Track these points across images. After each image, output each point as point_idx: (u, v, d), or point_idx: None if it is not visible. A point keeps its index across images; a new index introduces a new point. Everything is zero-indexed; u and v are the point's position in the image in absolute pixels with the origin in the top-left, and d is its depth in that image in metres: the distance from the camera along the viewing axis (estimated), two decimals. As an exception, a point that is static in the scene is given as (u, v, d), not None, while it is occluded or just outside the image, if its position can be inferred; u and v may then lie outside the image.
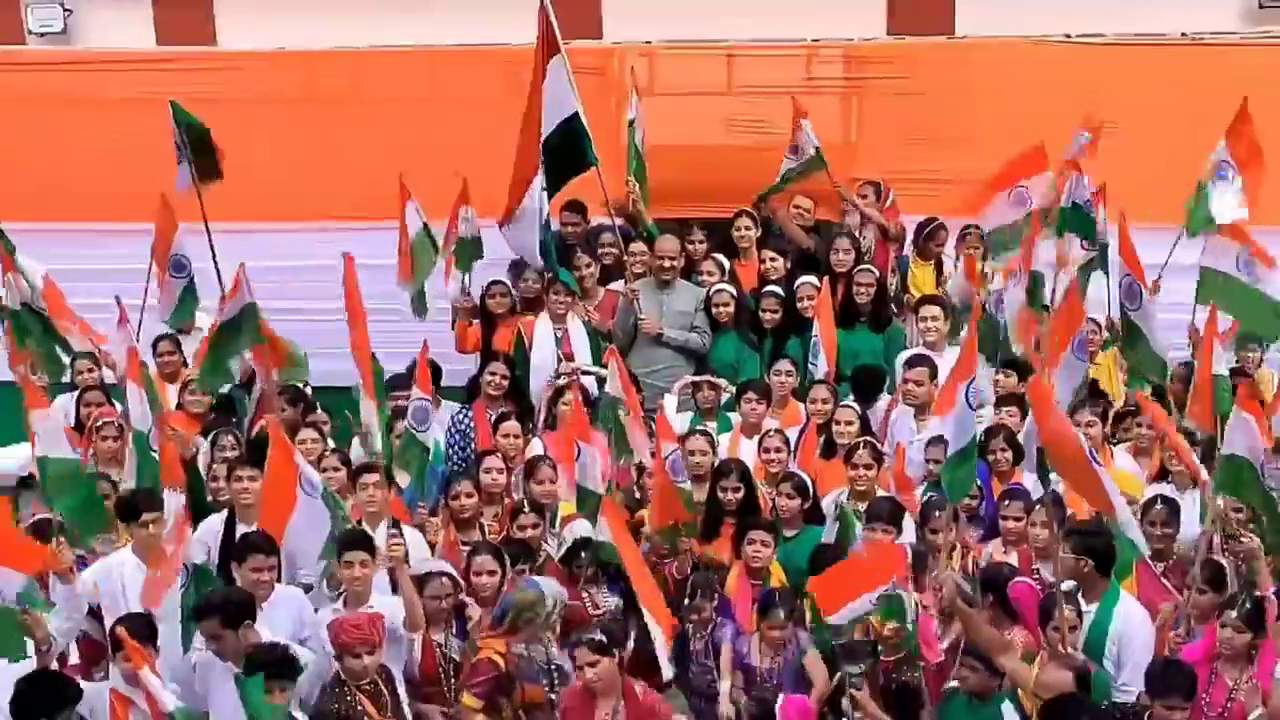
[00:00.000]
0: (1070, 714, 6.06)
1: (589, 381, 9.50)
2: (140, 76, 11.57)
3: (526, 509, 7.98)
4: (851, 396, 9.10)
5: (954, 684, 6.69)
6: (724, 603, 7.53)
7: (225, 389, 9.45)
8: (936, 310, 9.60)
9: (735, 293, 9.96)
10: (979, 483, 8.01)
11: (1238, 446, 7.07)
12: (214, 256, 10.02)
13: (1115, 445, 8.72)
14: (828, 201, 10.94)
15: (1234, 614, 6.37)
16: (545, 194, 9.83)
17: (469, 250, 10.23)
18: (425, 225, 10.07)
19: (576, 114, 9.57)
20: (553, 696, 6.96)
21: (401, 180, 9.98)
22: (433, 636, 7.11)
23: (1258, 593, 6.59)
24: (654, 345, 9.92)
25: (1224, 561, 7.12)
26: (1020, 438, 8.28)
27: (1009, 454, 8.25)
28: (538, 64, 9.69)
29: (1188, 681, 6.20)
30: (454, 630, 7.21)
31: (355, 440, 8.79)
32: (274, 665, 6.21)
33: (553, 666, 7.01)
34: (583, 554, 7.57)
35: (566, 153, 9.66)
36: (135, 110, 11.37)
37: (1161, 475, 8.36)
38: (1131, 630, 6.85)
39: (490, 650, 6.99)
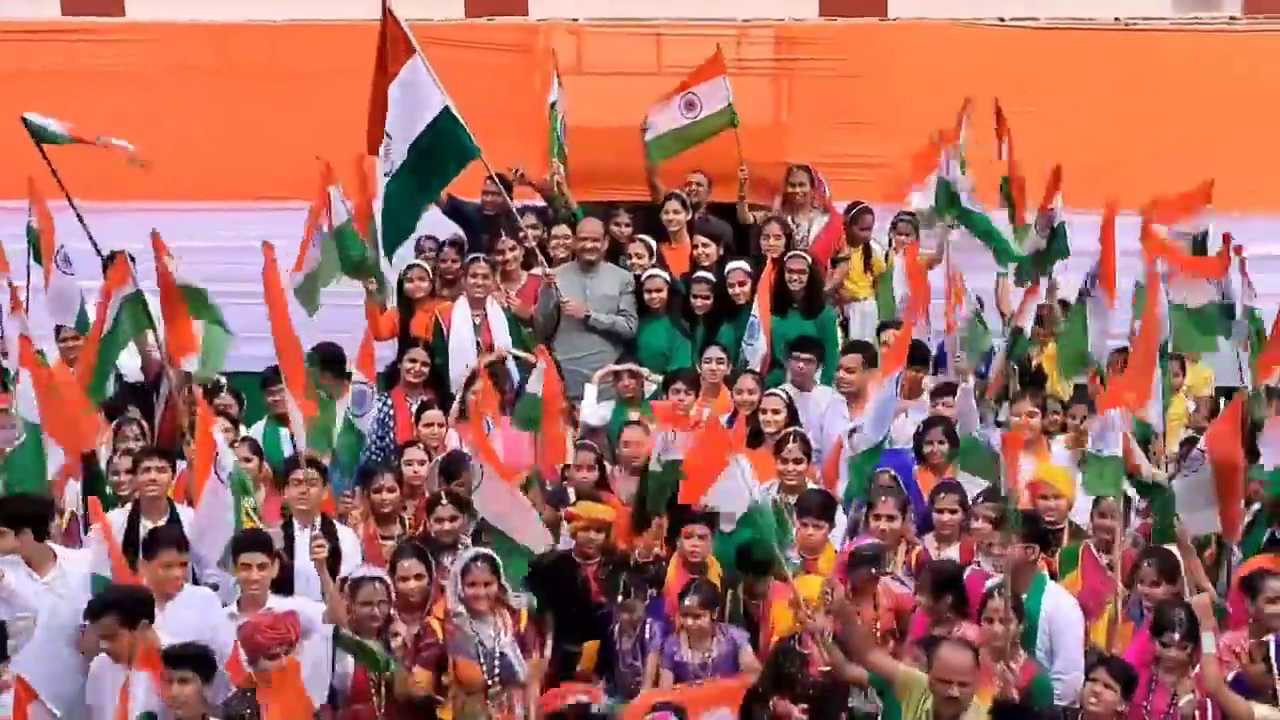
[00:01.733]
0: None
1: (513, 365, 9.24)
2: (45, 48, 11.24)
3: (444, 501, 7.68)
4: (789, 376, 9.02)
5: None
6: (655, 603, 7.32)
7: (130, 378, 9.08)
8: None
9: (668, 278, 9.76)
10: (893, 473, 7.87)
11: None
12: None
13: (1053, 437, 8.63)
14: (760, 184, 10.75)
15: (1174, 634, 6.28)
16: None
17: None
18: (350, 218, 9.46)
19: (446, 108, 9.06)
20: (490, 683, 6.73)
21: (326, 165, 9.28)
22: None
23: (1190, 600, 6.50)
24: (580, 331, 9.67)
25: (1174, 550, 7.03)
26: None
27: (945, 447, 8.12)
28: (382, 69, 9.10)
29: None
30: (384, 645, 6.88)
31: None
32: (190, 662, 5.96)
33: (495, 653, 6.76)
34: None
35: (442, 149, 9.11)
36: (40, 83, 11.00)
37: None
38: (1062, 617, 6.85)
39: (434, 617, 6.84)
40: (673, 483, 7.24)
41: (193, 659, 6.04)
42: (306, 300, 9.05)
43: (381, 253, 9.39)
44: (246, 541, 6.88)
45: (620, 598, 7.24)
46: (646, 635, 7.21)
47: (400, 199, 9.12)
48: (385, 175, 9.07)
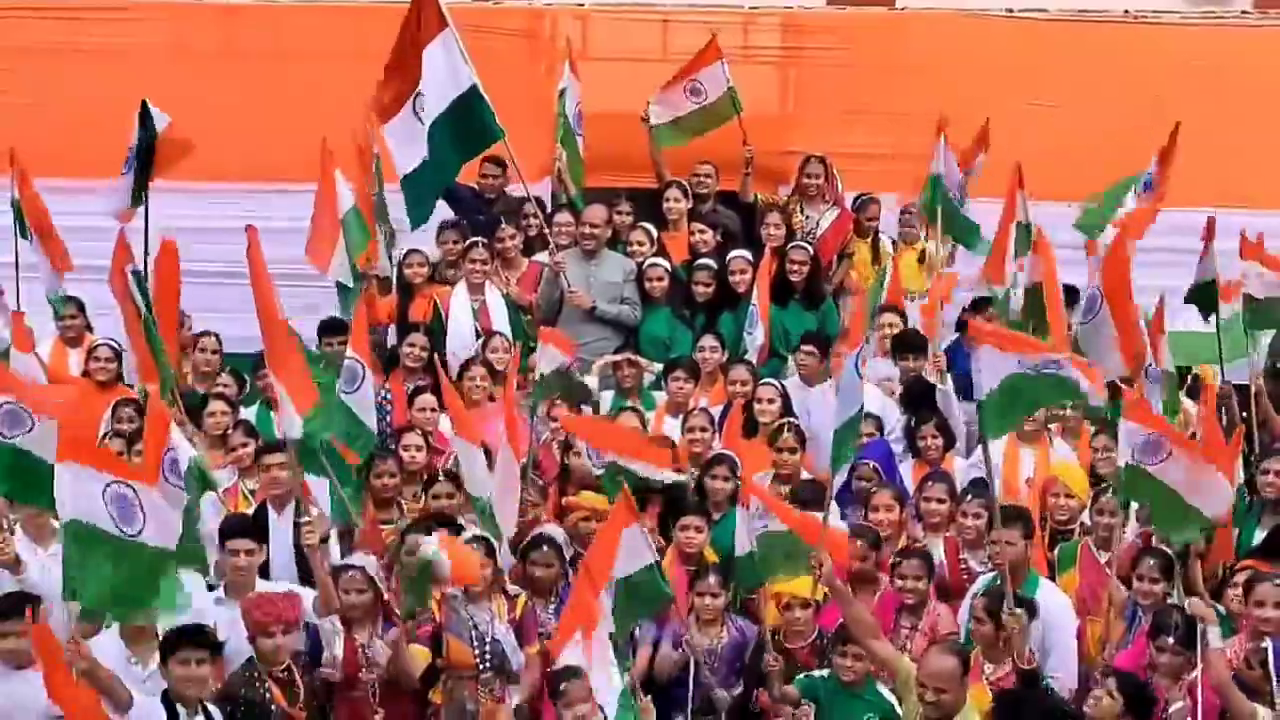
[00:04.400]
0: (1024, 712, 5.96)
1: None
2: (51, 25, 11.11)
3: (441, 478, 7.70)
4: (795, 364, 8.97)
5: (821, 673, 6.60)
6: None
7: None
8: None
9: (669, 266, 9.71)
10: (874, 464, 7.85)
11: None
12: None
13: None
14: (765, 173, 10.69)
15: (1169, 638, 6.24)
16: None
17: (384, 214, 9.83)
18: (356, 204, 9.40)
19: (475, 87, 9.13)
20: (480, 668, 6.73)
21: (325, 147, 9.19)
22: (355, 637, 6.74)
23: (1188, 610, 6.44)
24: (582, 319, 9.61)
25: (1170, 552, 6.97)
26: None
27: (940, 440, 8.11)
28: (411, 35, 9.15)
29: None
30: (378, 631, 6.83)
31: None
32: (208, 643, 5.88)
33: (488, 638, 6.76)
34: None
35: (465, 128, 9.19)
36: (46, 61, 10.94)
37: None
38: (1055, 617, 6.80)
39: (435, 595, 6.87)
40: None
41: (209, 639, 5.92)
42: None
43: (408, 224, 9.43)
44: (234, 527, 6.82)
45: None
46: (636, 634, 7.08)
47: (426, 169, 9.16)
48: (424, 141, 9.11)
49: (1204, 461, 6.72)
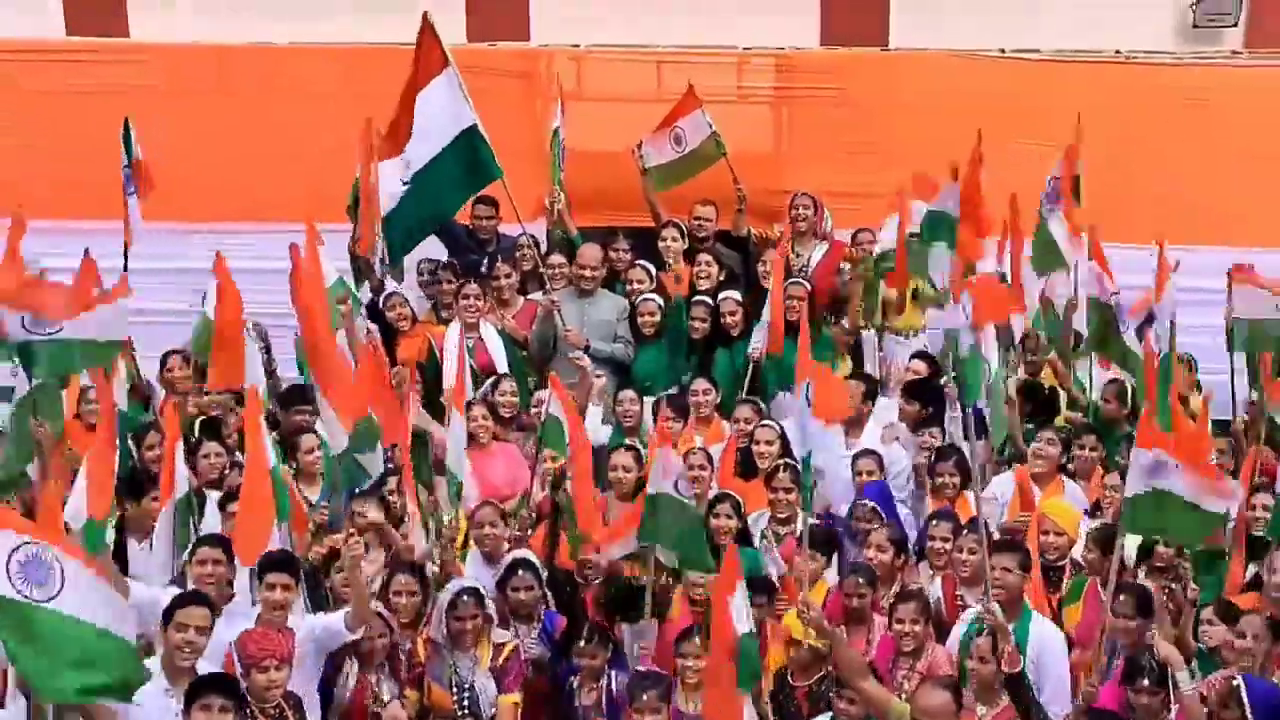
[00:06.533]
0: None
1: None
2: (47, 67, 11.18)
3: None
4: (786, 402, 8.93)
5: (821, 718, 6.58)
6: (617, 653, 7.15)
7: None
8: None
9: (662, 303, 9.71)
10: (873, 504, 7.84)
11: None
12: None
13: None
14: (759, 212, 10.71)
15: (1144, 681, 6.22)
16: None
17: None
18: (341, 276, 9.38)
19: (475, 126, 9.19)
20: (460, 714, 6.73)
21: (310, 225, 8.80)
22: (366, 674, 6.75)
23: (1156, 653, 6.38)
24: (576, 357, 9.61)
25: (1149, 585, 6.95)
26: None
27: (957, 478, 8.08)
28: (414, 77, 9.21)
29: None
30: (386, 671, 6.83)
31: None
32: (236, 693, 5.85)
33: (466, 684, 6.76)
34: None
35: (465, 166, 9.22)
36: (43, 102, 10.99)
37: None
38: (1048, 650, 6.81)
39: (422, 637, 6.90)
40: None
41: (236, 689, 5.90)
42: None
43: (386, 258, 9.39)
44: (273, 562, 6.68)
45: (582, 642, 7.02)
46: (613, 686, 6.96)
47: (413, 207, 9.17)
48: (403, 182, 9.13)
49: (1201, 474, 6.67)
